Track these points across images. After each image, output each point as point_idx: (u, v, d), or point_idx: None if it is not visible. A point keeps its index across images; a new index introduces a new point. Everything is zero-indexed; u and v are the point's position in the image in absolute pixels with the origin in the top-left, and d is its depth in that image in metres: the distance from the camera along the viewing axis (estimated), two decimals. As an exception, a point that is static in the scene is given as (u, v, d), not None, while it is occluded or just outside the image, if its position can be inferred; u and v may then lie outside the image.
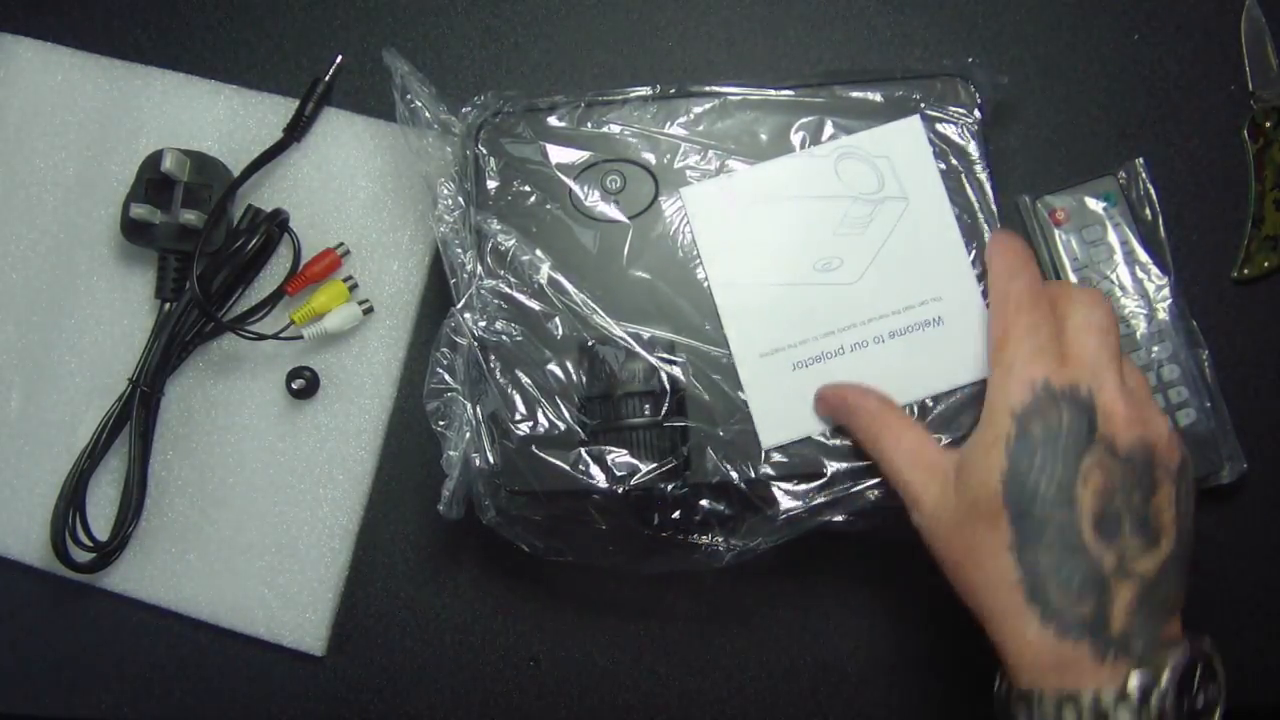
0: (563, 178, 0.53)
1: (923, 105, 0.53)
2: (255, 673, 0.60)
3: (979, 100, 0.53)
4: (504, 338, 0.52)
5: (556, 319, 0.52)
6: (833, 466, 0.50)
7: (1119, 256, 0.58)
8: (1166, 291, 0.58)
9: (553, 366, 0.52)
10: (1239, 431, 0.58)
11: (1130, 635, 0.42)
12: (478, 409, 0.51)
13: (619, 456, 0.50)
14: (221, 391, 0.61)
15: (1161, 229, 0.59)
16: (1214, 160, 0.61)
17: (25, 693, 0.61)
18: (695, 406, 0.51)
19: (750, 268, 0.52)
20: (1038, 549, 0.42)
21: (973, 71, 0.53)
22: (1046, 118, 0.61)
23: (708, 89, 0.54)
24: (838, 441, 0.51)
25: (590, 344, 0.52)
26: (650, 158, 0.54)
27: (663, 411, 0.51)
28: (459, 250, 0.53)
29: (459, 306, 0.52)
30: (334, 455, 0.60)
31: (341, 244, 0.60)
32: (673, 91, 0.54)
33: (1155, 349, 0.58)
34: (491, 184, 0.54)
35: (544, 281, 0.52)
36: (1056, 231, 0.58)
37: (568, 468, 0.51)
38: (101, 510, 0.60)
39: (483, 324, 0.52)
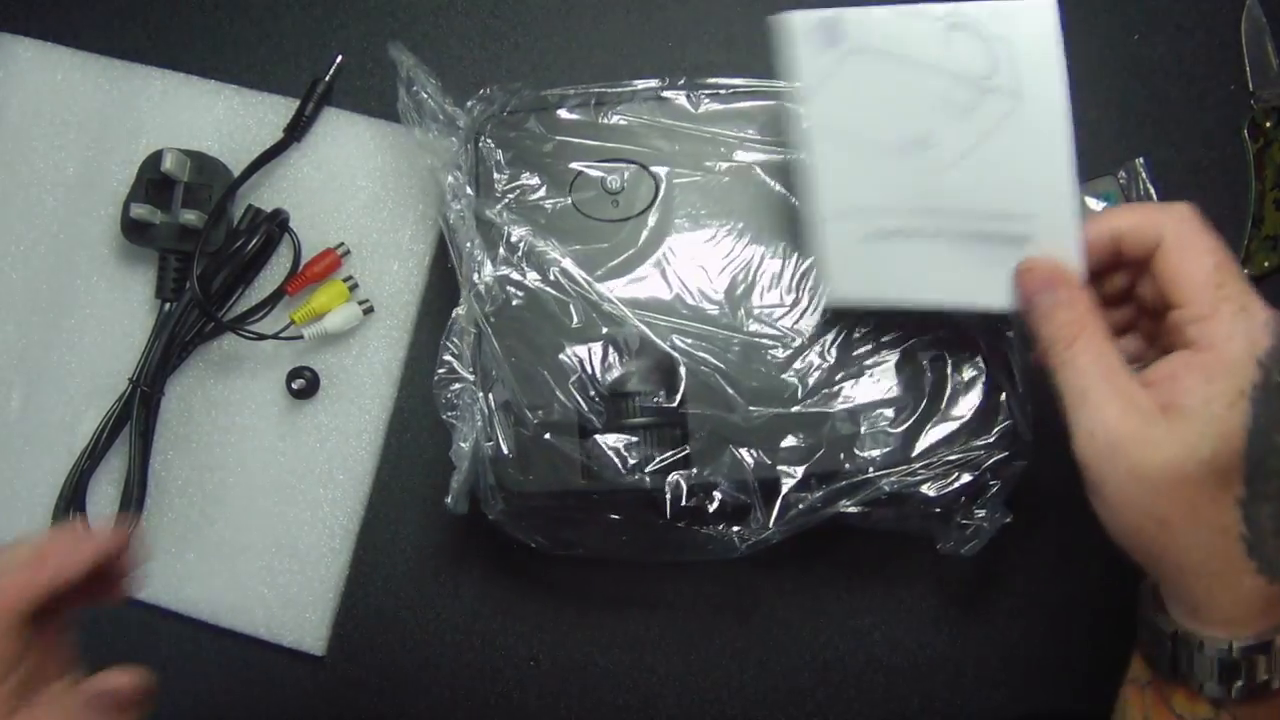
0: (570, 170, 0.54)
1: None
2: (255, 673, 0.60)
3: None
4: (516, 326, 0.52)
5: (570, 307, 0.52)
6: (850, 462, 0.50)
7: (1119, 256, 0.58)
8: (1166, 291, 0.58)
9: (566, 355, 0.52)
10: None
11: None
12: (489, 397, 0.51)
13: (632, 446, 0.50)
14: (221, 391, 0.61)
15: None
16: (1214, 160, 0.61)
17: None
18: (710, 394, 0.51)
19: (848, 118, 0.47)
20: (1263, 503, 0.40)
21: None
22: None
23: (716, 81, 0.54)
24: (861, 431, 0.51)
25: (604, 332, 0.52)
26: (659, 150, 0.54)
27: (676, 400, 0.51)
28: (467, 239, 0.53)
29: (470, 294, 0.52)
30: (334, 455, 0.60)
31: (341, 244, 0.60)
32: (681, 83, 0.54)
33: (1155, 349, 0.58)
34: (500, 175, 0.54)
35: (558, 271, 0.52)
36: None
37: (582, 457, 0.51)
38: (102, 510, 0.60)
39: (493, 312, 0.52)
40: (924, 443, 0.50)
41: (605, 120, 0.54)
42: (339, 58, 0.62)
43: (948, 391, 0.51)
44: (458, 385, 0.52)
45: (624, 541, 0.53)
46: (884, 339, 0.52)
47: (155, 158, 0.59)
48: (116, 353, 0.61)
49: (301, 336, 0.59)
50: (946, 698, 0.59)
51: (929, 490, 0.50)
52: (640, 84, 0.54)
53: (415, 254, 0.61)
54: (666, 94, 0.54)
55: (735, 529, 0.51)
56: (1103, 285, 0.46)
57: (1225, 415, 0.39)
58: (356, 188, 0.62)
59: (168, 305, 0.60)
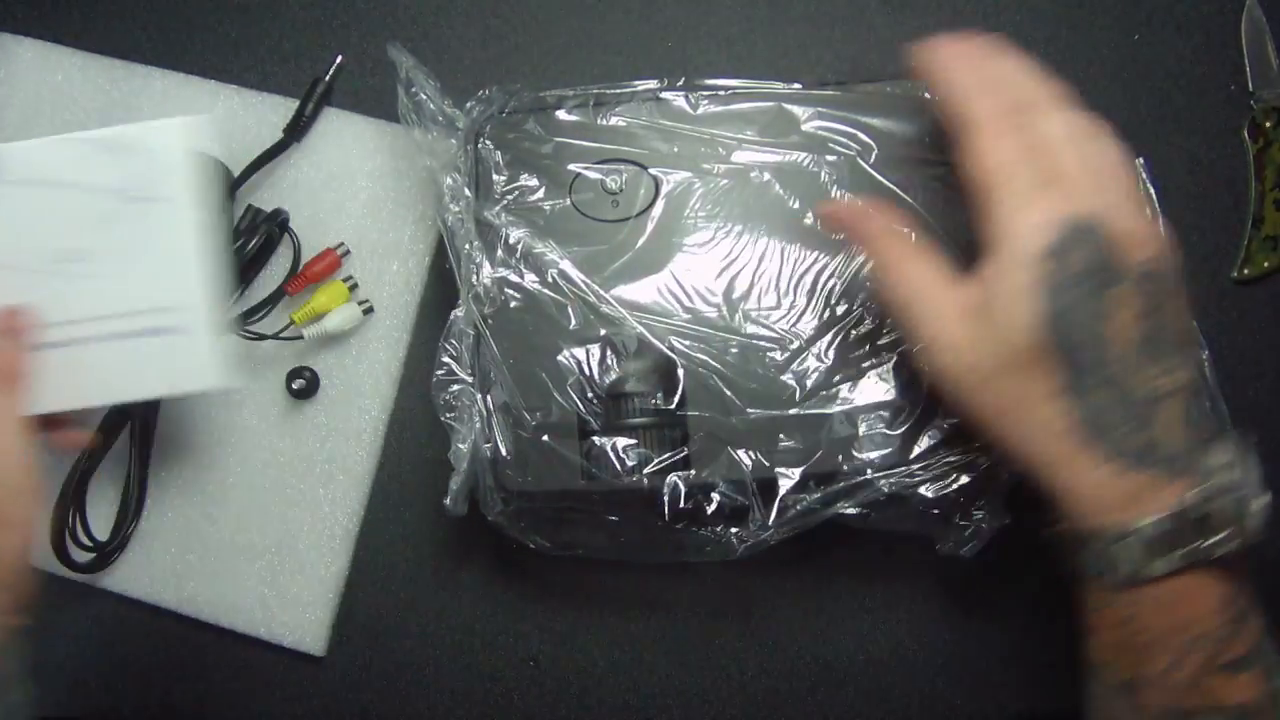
0: (569, 171, 0.54)
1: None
2: (255, 673, 0.60)
3: None
4: (514, 327, 0.52)
5: (569, 309, 0.52)
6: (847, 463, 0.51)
7: (1119, 256, 0.58)
8: (1166, 291, 0.58)
9: (564, 357, 0.52)
10: (1239, 431, 0.58)
11: (1183, 449, 0.41)
12: (488, 399, 0.52)
13: (631, 447, 0.50)
14: (222, 391, 0.61)
15: (1161, 229, 0.59)
16: (1214, 160, 0.61)
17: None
18: (708, 396, 0.51)
19: (3, 246, 0.51)
20: (1091, 388, 0.41)
21: None
22: (1046, 118, 0.61)
23: (715, 83, 0.54)
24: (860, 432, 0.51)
25: (603, 334, 0.52)
26: (657, 151, 0.54)
27: (674, 402, 0.51)
28: (466, 241, 0.53)
29: (469, 295, 0.52)
30: (334, 455, 0.60)
31: (341, 244, 0.60)
32: (680, 84, 0.54)
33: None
34: (499, 176, 0.54)
35: (556, 273, 0.52)
36: None
37: (580, 458, 0.51)
38: (101, 510, 0.60)
39: (492, 314, 0.52)
40: (922, 444, 0.50)
41: (604, 122, 0.54)
42: (339, 58, 0.62)
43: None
44: (456, 387, 0.52)
45: (623, 542, 0.53)
46: (881, 341, 0.52)
47: (155, 158, 0.59)
48: (116, 353, 0.61)
49: (301, 337, 0.59)
50: (946, 698, 0.59)
51: (927, 492, 0.50)
52: (640, 84, 0.55)
53: (415, 254, 0.61)
54: (665, 95, 0.54)
55: (734, 530, 0.51)
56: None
57: (1020, 306, 0.41)
58: (356, 188, 0.62)
59: (168, 305, 0.60)
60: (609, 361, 0.51)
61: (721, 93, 0.54)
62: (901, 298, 0.45)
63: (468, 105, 0.55)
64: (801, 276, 0.52)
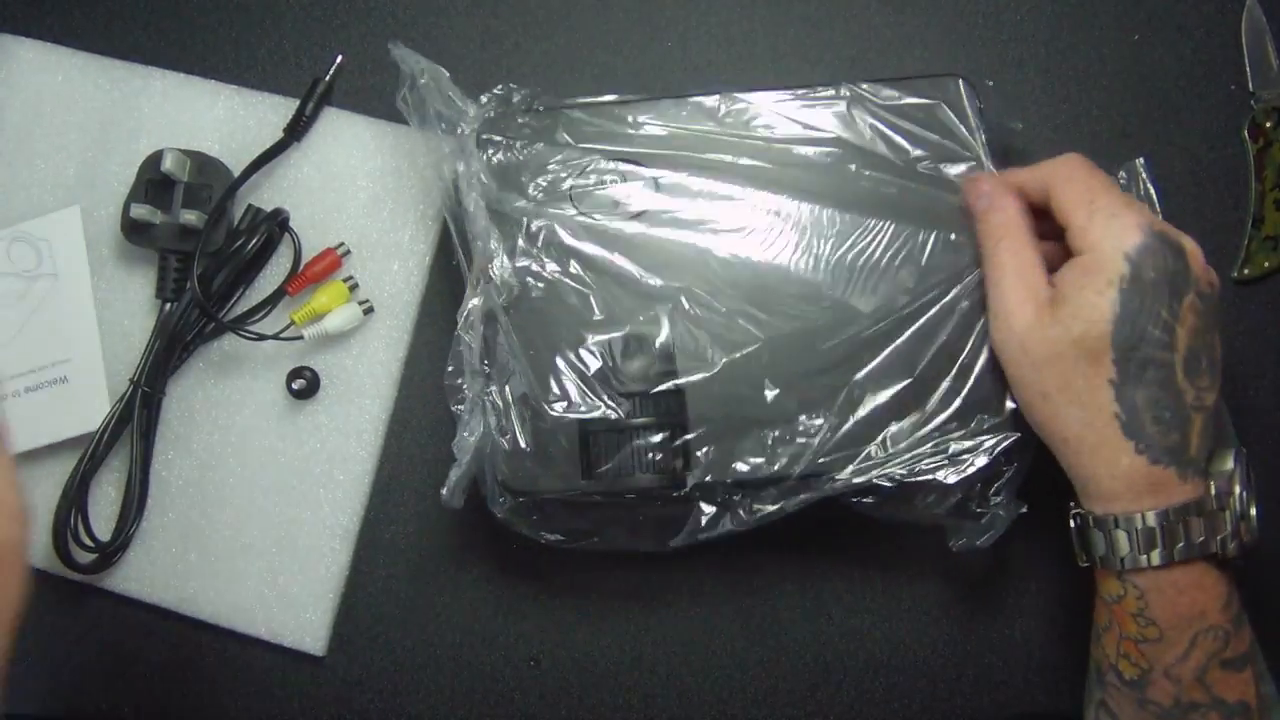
0: (588, 165, 0.54)
1: (942, 102, 0.53)
2: (255, 673, 0.60)
3: (979, 104, 0.54)
4: (534, 318, 0.52)
5: (591, 299, 0.52)
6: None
7: (1119, 256, 0.58)
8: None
9: (586, 348, 0.52)
10: (1239, 432, 0.58)
11: (1200, 457, 0.47)
12: (505, 390, 0.51)
13: (640, 447, 0.51)
14: (222, 391, 0.61)
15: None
16: (1214, 160, 0.61)
17: (25, 693, 0.61)
18: (716, 392, 0.51)
19: None
20: (1137, 388, 0.45)
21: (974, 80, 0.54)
22: (1046, 118, 0.61)
23: (745, 95, 0.54)
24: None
25: (625, 329, 0.52)
26: (678, 148, 0.54)
27: (682, 395, 0.51)
28: (482, 231, 0.53)
29: (486, 285, 0.52)
30: (334, 455, 0.60)
31: (342, 244, 0.60)
32: (688, 93, 0.55)
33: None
34: (518, 164, 0.54)
35: (580, 261, 0.52)
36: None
37: (590, 457, 0.51)
38: (103, 510, 0.60)
39: (510, 303, 0.52)
40: (934, 422, 0.50)
41: (626, 118, 0.54)
42: (339, 58, 0.62)
43: (954, 370, 0.51)
44: (466, 378, 0.52)
45: (640, 523, 0.53)
46: (892, 323, 0.51)
47: (155, 158, 0.59)
48: (117, 353, 0.61)
49: (301, 337, 0.59)
50: (946, 698, 0.59)
51: (944, 476, 0.50)
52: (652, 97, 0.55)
53: (415, 254, 0.61)
54: (694, 99, 0.54)
55: (743, 508, 0.51)
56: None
57: (1094, 301, 0.45)
58: (356, 188, 0.62)
59: (168, 305, 0.60)
60: (615, 360, 0.51)
61: (750, 104, 0.54)
62: (998, 270, 0.49)
63: (483, 98, 0.55)
64: (813, 268, 0.52)
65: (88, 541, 0.59)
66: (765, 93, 0.54)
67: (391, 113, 0.62)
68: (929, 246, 0.52)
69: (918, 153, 0.53)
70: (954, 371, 0.51)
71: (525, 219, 0.53)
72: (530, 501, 0.52)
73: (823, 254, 0.52)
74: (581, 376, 0.51)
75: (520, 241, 0.53)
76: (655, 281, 0.52)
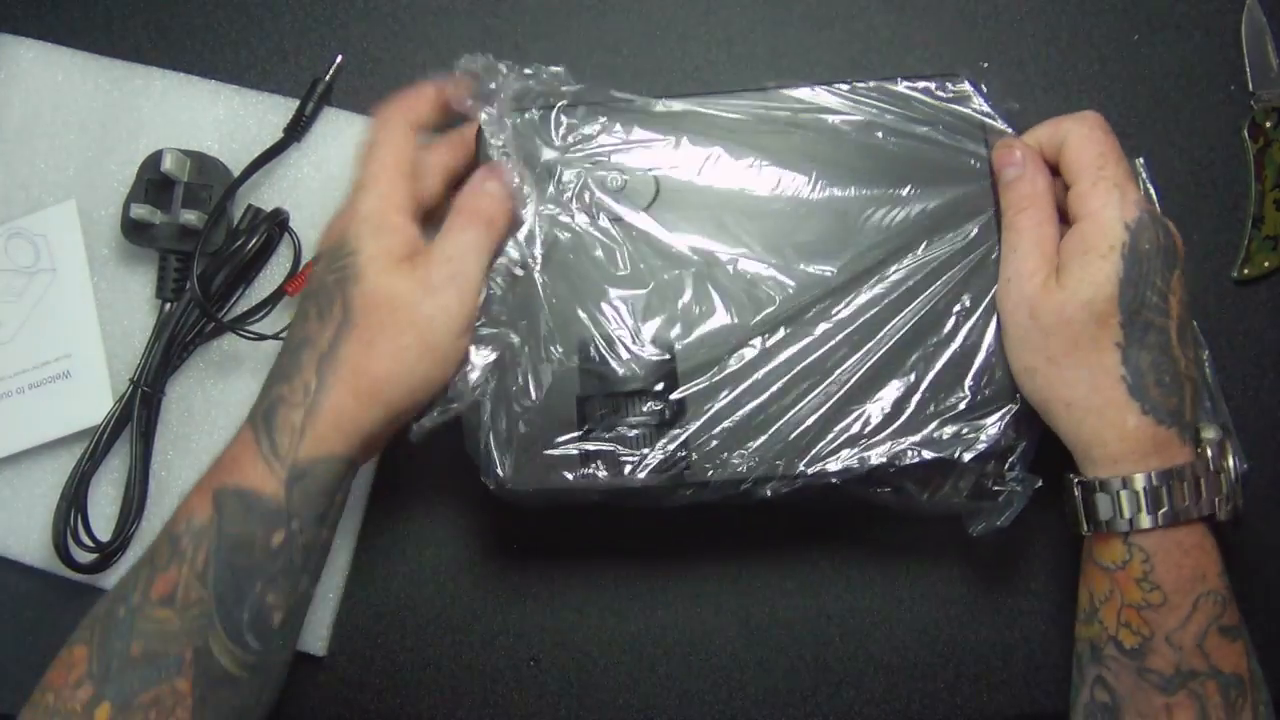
0: (604, 129, 0.53)
1: (940, 95, 0.53)
2: (256, 672, 0.60)
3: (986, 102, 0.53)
4: (561, 269, 0.51)
5: (618, 254, 0.52)
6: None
7: (1119, 256, 0.58)
8: (1166, 291, 0.58)
9: (610, 302, 0.51)
10: (1239, 431, 0.58)
11: (1194, 422, 0.49)
12: (525, 347, 0.51)
13: (632, 445, 0.50)
14: (222, 391, 0.61)
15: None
16: (1214, 160, 0.61)
17: (26, 693, 0.61)
18: (709, 389, 0.51)
19: None
20: (1140, 350, 0.47)
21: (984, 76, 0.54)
22: (1046, 117, 0.61)
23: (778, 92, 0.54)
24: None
25: (649, 285, 0.51)
26: (710, 124, 0.53)
27: (672, 400, 0.50)
28: (513, 174, 0.51)
29: (522, 235, 0.51)
30: (334, 455, 0.60)
31: (342, 244, 0.60)
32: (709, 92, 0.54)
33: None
34: (548, 123, 0.53)
35: (610, 216, 0.52)
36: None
37: (580, 456, 0.50)
38: (103, 510, 0.60)
39: (539, 253, 0.51)
40: (943, 400, 0.50)
41: (657, 104, 0.54)
42: (339, 58, 0.62)
43: (960, 336, 0.51)
44: (493, 329, 0.50)
45: (639, 488, 0.52)
46: (899, 337, 0.51)
47: (155, 158, 0.59)
48: (117, 353, 0.61)
49: (302, 337, 0.59)
50: (946, 698, 0.59)
51: (957, 453, 0.50)
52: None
53: (415, 254, 0.61)
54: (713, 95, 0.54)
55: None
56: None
57: (1099, 265, 0.47)
58: (356, 188, 0.62)
59: (168, 305, 0.60)
60: (609, 360, 0.51)
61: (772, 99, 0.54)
62: (1018, 235, 0.50)
63: (527, 70, 0.54)
64: (829, 259, 0.52)
65: (87, 541, 0.59)
66: (782, 89, 0.54)
67: (391, 113, 0.62)
68: (941, 212, 0.52)
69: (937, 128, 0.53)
70: (960, 344, 0.51)
71: (559, 166, 0.52)
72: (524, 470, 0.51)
73: (838, 220, 0.52)
74: (603, 332, 0.51)
75: (551, 189, 0.52)
76: (678, 246, 0.52)
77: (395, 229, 0.48)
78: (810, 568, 0.59)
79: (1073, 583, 0.58)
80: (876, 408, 0.50)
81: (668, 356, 0.51)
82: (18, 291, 0.61)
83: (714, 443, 0.50)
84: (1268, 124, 0.60)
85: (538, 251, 0.51)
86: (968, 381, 0.50)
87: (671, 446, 0.50)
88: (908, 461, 0.50)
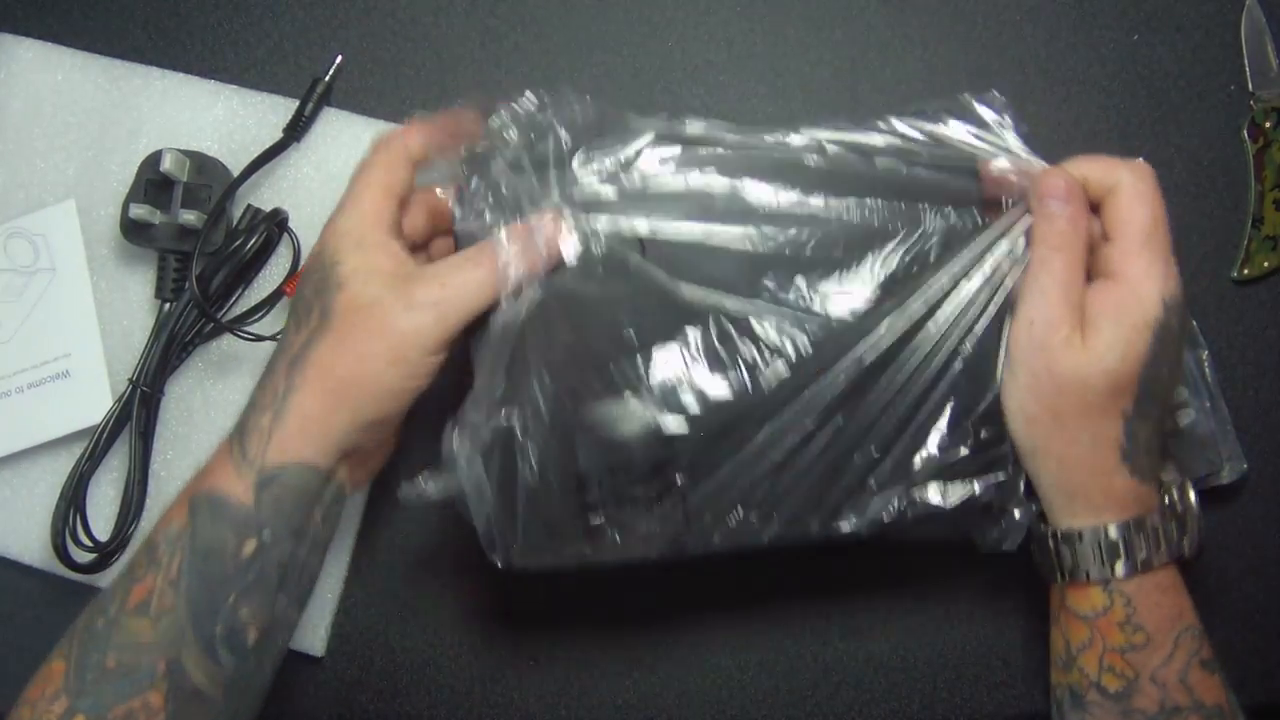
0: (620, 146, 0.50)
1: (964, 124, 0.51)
2: (255, 673, 0.60)
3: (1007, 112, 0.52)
4: (569, 317, 0.47)
5: (618, 311, 0.47)
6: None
7: (1119, 256, 0.58)
8: (1166, 291, 0.58)
9: (617, 369, 0.47)
10: (1239, 431, 0.58)
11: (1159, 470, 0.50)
12: (524, 425, 0.47)
13: (638, 516, 0.49)
14: (221, 392, 0.61)
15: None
16: (1214, 160, 0.61)
17: (25, 693, 0.61)
18: (714, 456, 0.48)
19: None
20: (1142, 421, 0.47)
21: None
22: (1047, 117, 0.61)
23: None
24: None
25: (674, 337, 0.47)
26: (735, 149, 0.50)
27: (678, 468, 0.48)
28: (517, 199, 0.48)
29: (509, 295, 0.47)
30: (334, 455, 0.60)
31: (341, 244, 0.60)
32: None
33: (1155, 349, 0.58)
34: (558, 145, 0.49)
35: (640, 246, 0.48)
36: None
37: (584, 529, 0.49)
38: (102, 510, 0.60)
39: (542, 302, 0.47)
40: (951, 449, 0.49)
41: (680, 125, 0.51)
42: (339, 58, 0.62)
43: (966, 384, 0.49)
44: (484, 417, 0.47)
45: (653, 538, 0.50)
46: (908, 398, 0.48)
47: (154, 158, 0.59)
48: (116, 353, 0.61)
49: (301, 337, 0.59)
50: (946, 698, 0.59)
51: (972, 487, 0.49)
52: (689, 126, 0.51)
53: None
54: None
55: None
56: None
57: (1131, 338, 0.46)
58: (356, 188, 0.61)
59: (167, 305, 0.60)
60: (610, 432, 0.47)
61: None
62: (1049, 278, 0.47)
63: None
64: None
65: (86, 541, 0.59)
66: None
67: (391, 113, 0.62)
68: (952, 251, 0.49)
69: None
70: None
71: (575, 186, 0.48)
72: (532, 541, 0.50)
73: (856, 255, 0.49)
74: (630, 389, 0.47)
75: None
76: (686, 296, 0.47)
77: (378, 244, 0.47)
78: (810, 568, 0.59)
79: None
80: (887, 462, 0.49)
81: (672, 426, 0.47)
82: (17, 291, 0.61)
83: (720, 508, 0.49)
84: (1267, 124, 0.60)
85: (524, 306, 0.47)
86: (975, 431, 0.49)
87: (677, 515, 0.49)
88: (916, 515, 0.49)
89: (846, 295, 0.48)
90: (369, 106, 0.63)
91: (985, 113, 0.52)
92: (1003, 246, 0.48)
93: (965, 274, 0.48)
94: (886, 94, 0.62)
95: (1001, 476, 0.49)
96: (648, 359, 0.47)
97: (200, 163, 0.60)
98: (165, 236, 0.60)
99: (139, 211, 0.59)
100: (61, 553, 0.58)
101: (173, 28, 0.64)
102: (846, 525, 0.49)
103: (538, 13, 0.63)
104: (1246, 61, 0.61)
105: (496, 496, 0.48)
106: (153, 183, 0.60)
